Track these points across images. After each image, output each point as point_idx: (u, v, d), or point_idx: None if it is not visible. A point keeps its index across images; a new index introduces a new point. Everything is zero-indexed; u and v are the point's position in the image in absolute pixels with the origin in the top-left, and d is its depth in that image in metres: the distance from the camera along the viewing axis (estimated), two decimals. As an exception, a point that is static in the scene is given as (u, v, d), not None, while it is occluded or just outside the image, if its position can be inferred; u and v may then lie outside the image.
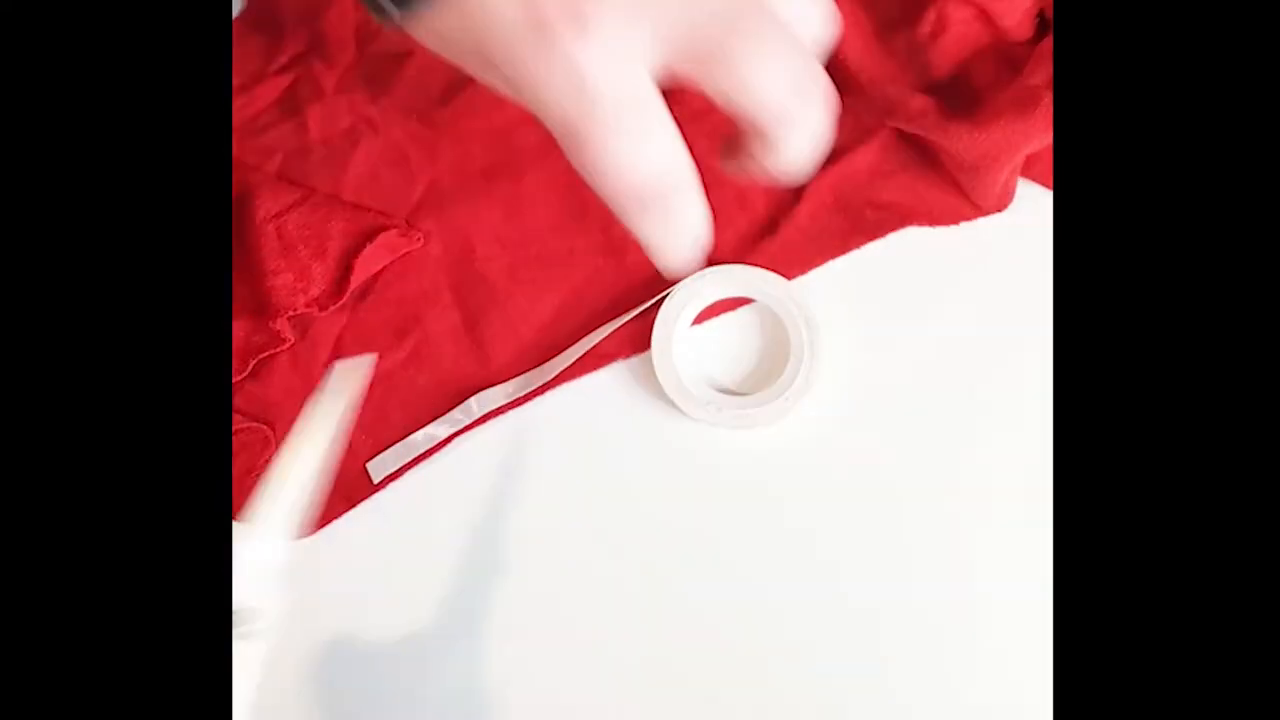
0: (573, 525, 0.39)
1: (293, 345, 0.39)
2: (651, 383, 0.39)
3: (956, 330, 0.39)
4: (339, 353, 0.40)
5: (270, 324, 0.39)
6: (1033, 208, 0.39)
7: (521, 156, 0.41)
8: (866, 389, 0.39)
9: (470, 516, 0.39)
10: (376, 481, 0.39)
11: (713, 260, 0.39)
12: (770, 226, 0.40)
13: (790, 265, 0.39)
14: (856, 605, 0.37)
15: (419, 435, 0.39)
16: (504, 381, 0.39)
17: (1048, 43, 0.37)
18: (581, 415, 0.39)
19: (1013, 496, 0.38)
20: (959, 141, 0.37)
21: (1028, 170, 0.39)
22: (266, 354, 0.39)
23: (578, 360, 0.39)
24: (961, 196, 0.39)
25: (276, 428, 0.39)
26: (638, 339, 0.39)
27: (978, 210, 0.39)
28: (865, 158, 0.40)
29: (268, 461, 0.38)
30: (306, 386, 0.39)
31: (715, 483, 0.39)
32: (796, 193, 0.40)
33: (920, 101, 0.38)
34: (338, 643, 0.38)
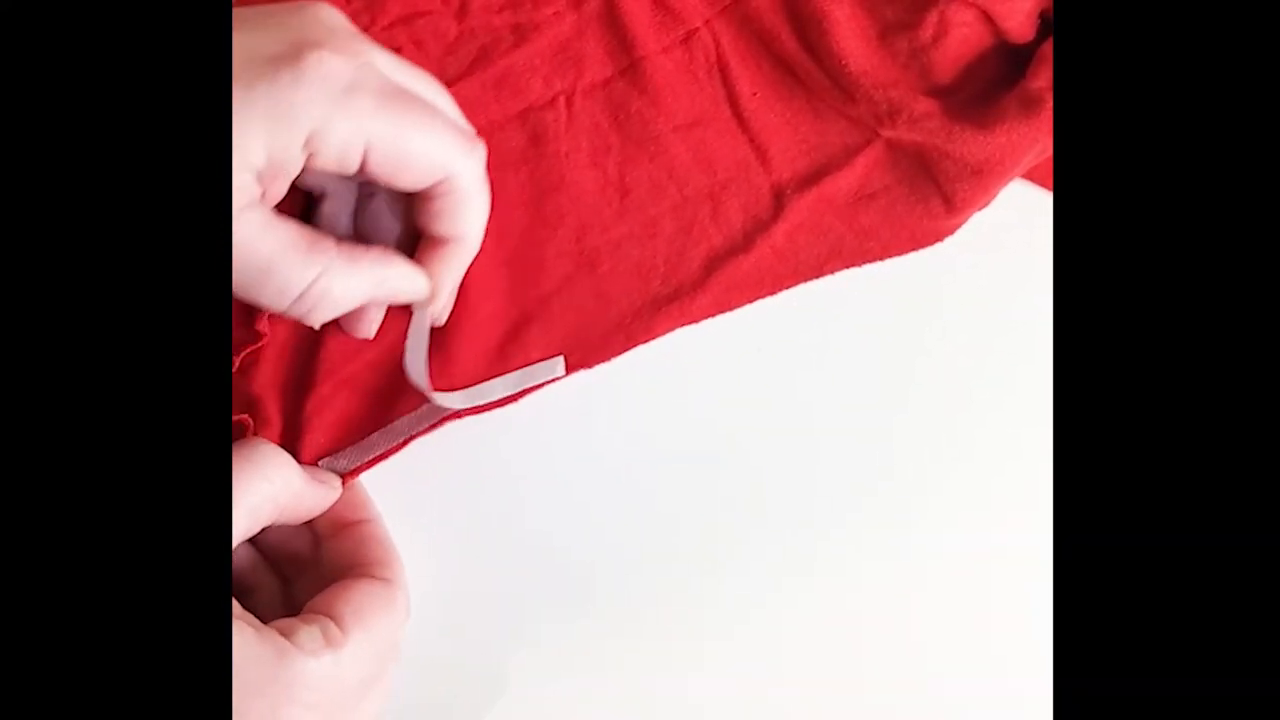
0: (562, 518, 0.39)
1: (273, 342, 0.39)
2: (629, 381, 0.39)
3: (954, 331, 0.39)
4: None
5: (254, 323, 0.38)
6: (1032, 208, 0.39)
7: (503, 160, 0.41)
8: (865, 390, 0.39)
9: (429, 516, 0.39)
10: None
11: (680, 279, 0.39)
12: (745, 244, 0.39)
13: (761, 285, 0.39)
14: (854, 607, 0.38)
15: (376, 436, 0.38)
16: (463, 385, 0.39)
17: (1050, 45, 0.37)
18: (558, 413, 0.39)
19: (1013, 497, 0.38)
20: (965, 145, 0.37)
21: (1026, 171, 0.39)
22: (247, 350, 0.39)
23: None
24: (945, 215, 0.39)
25: (255, 419, 0.39)
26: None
27: (958, 224, 0.39)
28: (848, 178, 0.39)
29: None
30: (286, 381, 0.39)
31: (711, 484, 0.39)
32: (775, 211, 0.40)
33: (925, 104, 0.38)
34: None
